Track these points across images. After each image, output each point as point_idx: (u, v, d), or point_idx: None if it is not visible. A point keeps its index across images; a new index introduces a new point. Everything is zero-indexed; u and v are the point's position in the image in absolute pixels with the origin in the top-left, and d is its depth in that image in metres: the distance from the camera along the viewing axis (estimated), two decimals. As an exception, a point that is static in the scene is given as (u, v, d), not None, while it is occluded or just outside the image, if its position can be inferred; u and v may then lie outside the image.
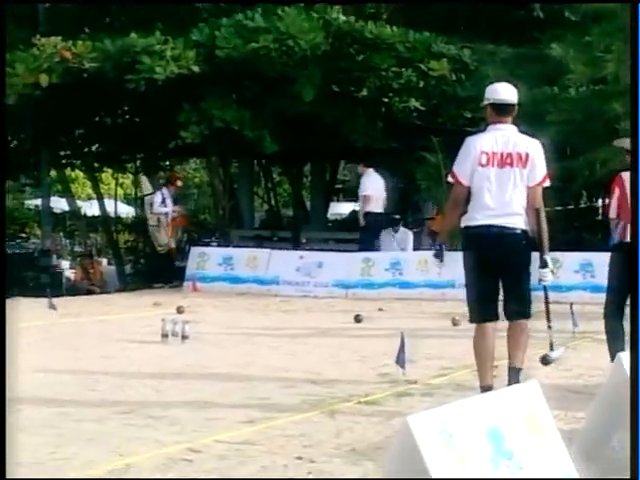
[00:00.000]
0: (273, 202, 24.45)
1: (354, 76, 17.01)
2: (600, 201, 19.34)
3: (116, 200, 25.25)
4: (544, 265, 6.65)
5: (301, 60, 16.40)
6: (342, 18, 16.82)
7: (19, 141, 21.35)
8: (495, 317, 6.60)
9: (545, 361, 7.13)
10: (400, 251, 16.64)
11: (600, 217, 18.73)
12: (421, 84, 16.85)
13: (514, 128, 6.63)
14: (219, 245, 18.53)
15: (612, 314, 7.56)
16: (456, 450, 3.22)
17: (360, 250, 16.66)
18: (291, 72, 16.52)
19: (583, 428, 5.02)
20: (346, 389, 7.29)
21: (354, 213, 20.73)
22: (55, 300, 13.78)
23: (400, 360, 7.44)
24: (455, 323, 10.78)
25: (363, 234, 17.41)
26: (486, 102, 6.69)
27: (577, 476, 3.78)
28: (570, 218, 18.64)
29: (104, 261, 22.48)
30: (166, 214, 17.87)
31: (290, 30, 16.21)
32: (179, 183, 19.36)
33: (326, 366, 8.47)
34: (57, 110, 18.16)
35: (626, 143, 7.86)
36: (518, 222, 6.50)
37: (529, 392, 3.81)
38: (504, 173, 6.46)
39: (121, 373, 8.05)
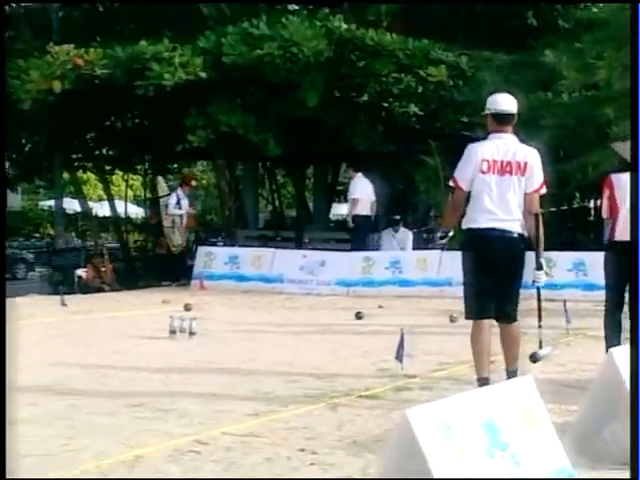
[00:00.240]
0: (277, 203, 24.43)
1: (355, 82, 17.00)
2: (592, 202, 19.33)
3: (126, 201, 25.22)
4: (539, 267, 6.74)
5: (304, 66, 16.41)
6: (344, 26, 16.84)
7: (33, 144, 21.35)
8: (491, 314, 6.63)
9: (533, 358, 7.19)
10: (400, 250, 16.65)
11: (592, 218, 18.72)
12: (420, 89, 16.83)
13: (514, 137, 6.69)
14: (225, 245, 18.51)
15: (611, 311, 7.59)
16: (454, 442, 3.22)
17: (353, 250, 16.69)
18: (295, 78, 16.52)
19: (575, 421, 5.02)
20: (347, 383, 7.29)
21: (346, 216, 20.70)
22: (67, 297, 13.81)
23: (399, 355, 7.45)
24: (452, 320, 10.77)
25: (353, 235, 17.50)
26: (487, 112, 6.73)
27: (570, 466, 3.78)
28: (564, 219, 18.63)
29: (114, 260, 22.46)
30: (180, 216, 17.89)
31: (294, 37, 16.21)
32: (193, 183, 19.33)
33: (328, 361, 8.47)
34: (70, 115, 18.17)
35: (619, 147, 7.90)
36: (517, 227, 6.58)
37: (524, 386, 3.81)
38: (504, 180, 6.53)
39: (131, 368, 8.04)
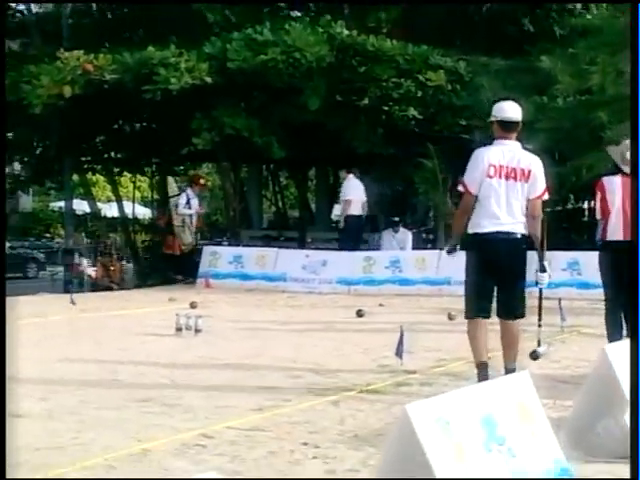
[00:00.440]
0: (280, 204, 24.44)
1: (356, 86, 16.99)
2: (586, 204, 19.32)
3: (134, 202, 25.25)
4: (543, 270, 6.84)
5: (307, 71, 16.42)
6: (345, 32, 16.85)
7: (44, 148, 21.39)
8: (488, 315, 6.66)
9: (534, 356, 7.21)
10: (400, 250, 16.65)
11: (586, 218, 18.71)
12: (419, 94, 16.83)
13: (518, 144, 6.73)
14: (230, 244, 18.51)
15: (611, 308, 7.61)
16: (452, 436, 3.22)
17: (341, 249, 16.69)
18: (297, 83, 16.53)
19: (570, 416, 5.01)
20: (349, 379, 7.28)
21: (337, 217, 20.66)
22: (76, 296, 13.80)
23: (399, 352, 7.44)
24: (451, 317, 10.77)
25: (343, 235, 17.48)
26: (493, 119, 6.77)
27: (564, 459, 3.78)
28: (559, 220, 18.61)
29: (123, 260, 22.47)
30: (190, 216, 17.88)
31: (297, 43, 16.22)
32: (202, 181, 19.30)
33: (330, 357, 8.46)
34: (79, 119, 18.19)
35: (613, 151, 7.92)
36: (520, 228, 6.62)
37: (521, 382, 3.81)
38: (509, 186, 6.57)
39: (138, 364, 8.04)
